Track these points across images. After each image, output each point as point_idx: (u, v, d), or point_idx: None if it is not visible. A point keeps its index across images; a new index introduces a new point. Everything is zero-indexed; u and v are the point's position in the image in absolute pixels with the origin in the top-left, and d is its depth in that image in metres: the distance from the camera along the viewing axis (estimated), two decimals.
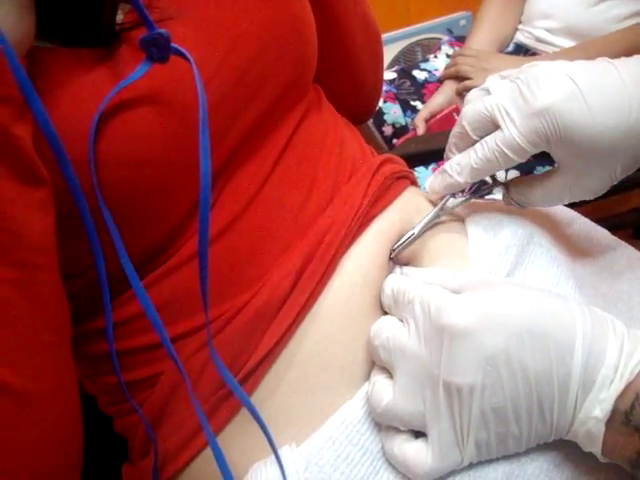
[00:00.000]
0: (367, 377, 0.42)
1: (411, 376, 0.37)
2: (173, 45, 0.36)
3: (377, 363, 0.41)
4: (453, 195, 0.49)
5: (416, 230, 0.46)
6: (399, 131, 1.30)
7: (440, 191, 0.48)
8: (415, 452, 0.36)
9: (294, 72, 0.46)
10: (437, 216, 0.47)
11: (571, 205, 1.06)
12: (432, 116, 1.22)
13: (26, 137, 0.32)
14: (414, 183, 0.53)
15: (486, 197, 0.52)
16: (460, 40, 1.40)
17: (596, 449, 0.34)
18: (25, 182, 0.32)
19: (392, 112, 1.30)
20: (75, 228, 0.36)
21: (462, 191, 0.49)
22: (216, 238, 0.41)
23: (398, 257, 0.46)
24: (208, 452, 0.41)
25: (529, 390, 0.34)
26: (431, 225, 0.47)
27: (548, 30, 1.22)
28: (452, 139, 0.48)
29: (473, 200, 0.50)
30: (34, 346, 0.33)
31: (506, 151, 0.43)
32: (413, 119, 1.26)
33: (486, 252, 0.45)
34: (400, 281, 0.42)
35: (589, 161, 0.42)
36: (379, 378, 0.39)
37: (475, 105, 0.45)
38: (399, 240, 0.46)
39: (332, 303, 0.42)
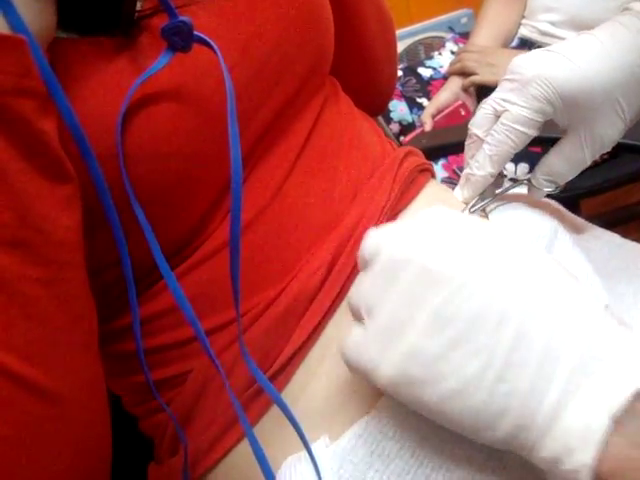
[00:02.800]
0: None
1: None
2: (196, 33, 0.35)
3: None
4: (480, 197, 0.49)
5: None
6: (406, 128, 1.30)
7: (471, 196, 0.49)
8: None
9: (314, 60, 0.45)
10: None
11: (584, 195, 1.06)
12: (439, 112, 1.22)
13: (51, 132, 0.31)
14: (433, 176, 0.53)
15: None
16: (464, 37, 1.40)
17: None
18: (51, 178, 0.31)
19: (399, 109, 1.31)
20: (100, 223, 0.36)
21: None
22: (242, 231, 0.40)
23: None
24: (240, 448, 0.41)
25: None
26: None
27: (552, 23, 1.22)
28: (468, 152, 0.50)
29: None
30: (64, 346, 0.32)
31: (516, 126, 0.44)
32: (419, 116, 1.26)
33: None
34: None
35: (592, 112, 0.43)
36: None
37: (477, 113, 0.48)
38: None
39: None
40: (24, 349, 0.29)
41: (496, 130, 0.45)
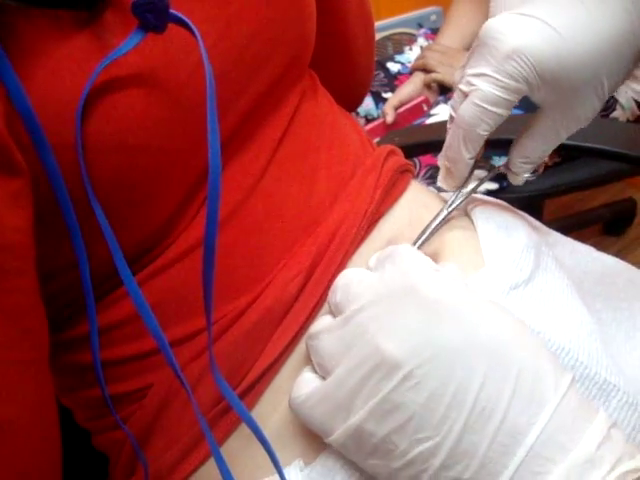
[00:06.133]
0: None
1: None
2: (172, 12, 0.31)
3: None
4: (459, 189, 0.46)
5: (427, 232, 0.43)
6: (371, 123, 1.28)
7: (457, 184, 0.45)
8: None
9: (295, 48, 0.42)
10: (446, 214, 0.45)
11: (544, 197, 1.06)
12: (401, 104, 1.22)
13: None
14: (414, 176, 0.51)
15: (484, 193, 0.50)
16: (435, 33, 1.40)
17: None
18: None
19: (364, 104, 1.29)
20: (54, 222, 0.32)
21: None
22: None
23: None
24: (205, 470, 0.37)
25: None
26: (443, 223, 0.44)
27: None
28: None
29: (475, 195, 0.48)
30: (8, 364, 0.28)
31: (488, 107, 0.39)
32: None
33: (503, 250, 0.42)
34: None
35: (573, 93, 0.38)
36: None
37: (456, 91, 0.42)
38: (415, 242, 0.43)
39: None
40: None
41: (466, 111, 0.40)
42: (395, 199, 0.45)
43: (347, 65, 0.58)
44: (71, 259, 0.33)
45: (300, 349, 0.38)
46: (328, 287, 0.38)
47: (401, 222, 0.44)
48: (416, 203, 0.46)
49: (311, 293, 0.38)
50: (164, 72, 0.33)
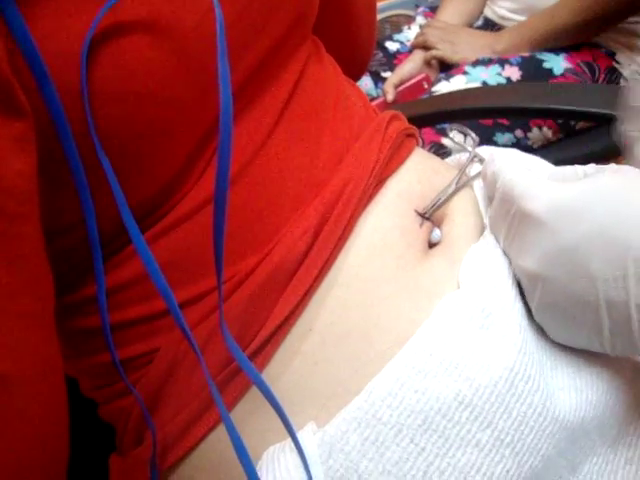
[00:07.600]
0: (392, 346, 0.37)
1: None
2: None
3: None
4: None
5: (445, 195, 0.43)
6: (371, 102, 1.26)
7: None
8: None
9: (299, 8, 0.41)
10: (459, 181, 0.45)
11: None
12: (401, 82, 1.20)
13: None
14: (418, 142, 0.50)
15: None
16: (434, 11, 1.38)
17: None
18: None
19: (363, 84, 1.27)
20: (58, 174, 0.30)
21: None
22: None
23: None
24: (215, 435, 0.36)
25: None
26: (456, 189, 0.45)
27: (510, 10, 1.22)
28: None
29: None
30: (12, 316, 0.27)
31: None
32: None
33: None
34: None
35: None
36: None
37: None
38: (431, 202, 0.43)
39: (350, 266, 0.38)
40: None
41: None
42: (402, 160, 0.44)
43: (348, 34, 0.57)
44: (78, 216, 0.32)
45: (311, 308, 0.37)
46: (336, 245, 0.37)
47: (410, 180, 0.43)
48: (423, 165, 0.45)
49: (319, 251, 0.37)
50: (170, 20, 0.32)
